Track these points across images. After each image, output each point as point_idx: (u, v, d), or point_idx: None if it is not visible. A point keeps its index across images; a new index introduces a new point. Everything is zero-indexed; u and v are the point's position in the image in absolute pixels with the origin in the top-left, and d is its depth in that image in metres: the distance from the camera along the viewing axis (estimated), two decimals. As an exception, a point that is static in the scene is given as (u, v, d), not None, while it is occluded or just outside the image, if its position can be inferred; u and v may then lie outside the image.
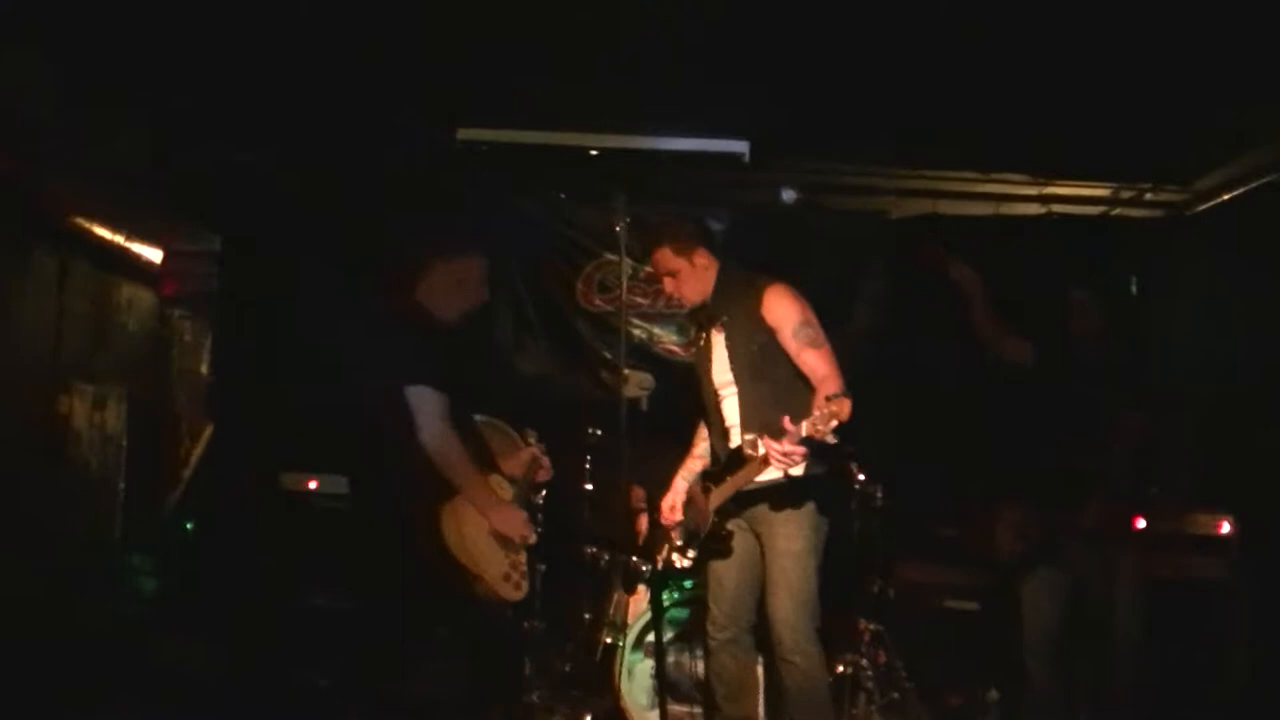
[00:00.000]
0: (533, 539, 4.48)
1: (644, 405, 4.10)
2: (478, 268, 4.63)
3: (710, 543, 4.88)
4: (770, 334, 4.76)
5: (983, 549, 5.44)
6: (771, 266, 5.02)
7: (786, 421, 4.31)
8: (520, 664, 5.37)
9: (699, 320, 5.05)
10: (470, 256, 4.61)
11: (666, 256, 4.94)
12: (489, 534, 4.44)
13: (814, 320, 4.77)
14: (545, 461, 4.88)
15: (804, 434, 4.26)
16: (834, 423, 4.20)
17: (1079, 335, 5.15)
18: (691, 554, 4.95)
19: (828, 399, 4.23)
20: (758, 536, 4.84)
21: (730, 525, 4.86)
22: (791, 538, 4.75)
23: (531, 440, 4.85)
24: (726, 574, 4.93)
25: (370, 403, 4.41)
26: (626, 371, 4.04)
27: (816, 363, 4.63)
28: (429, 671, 4.71)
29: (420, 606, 4.44)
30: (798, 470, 4.57)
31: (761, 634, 4.95)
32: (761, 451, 4.46)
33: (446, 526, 4.32)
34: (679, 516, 5.07)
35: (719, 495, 4.81)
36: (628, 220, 4.12)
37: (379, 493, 4.45)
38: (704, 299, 4.96)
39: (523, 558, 4.59)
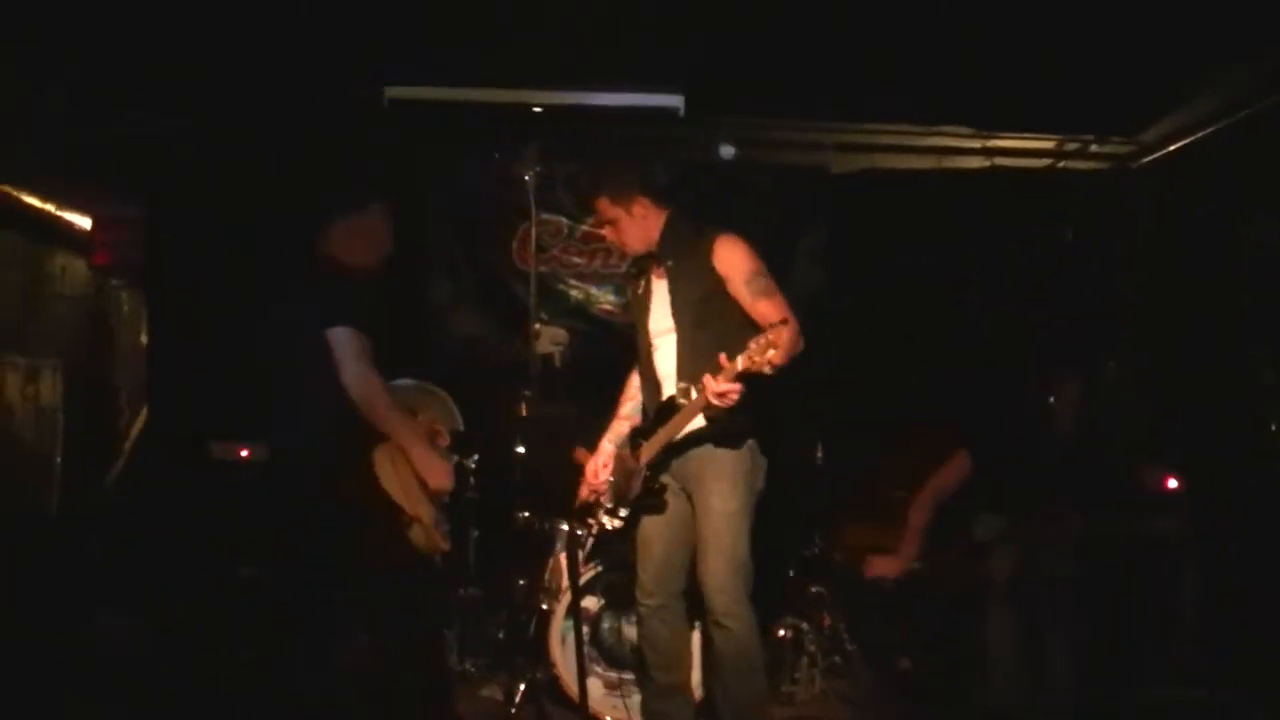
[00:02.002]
0: (449, 486, 4.36)
1: (557, 361, 3.99)
2: (379, 217, 4.51)
3: (644, 499, 4.76)
4: (719, 283, 4.63)
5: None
6: (710, 222, 4.87)
7: (723, 358, 4.20)
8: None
9: (640, 266, 4.95)
10: (369, 213, 4.47)
11: (604, 206, 4.83)
12: (417, 479, 4.27)
13: (765, 271, 4.65)
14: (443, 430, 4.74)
15: (740, 368, 4.15)
16: (770, 352, 4.08)
17: None
18: (624, 514, 4.85)
19: (768, 328, 4.12)
20: (689, 497, 4.74)
21: (664, 482, 4.76)
22: (726, 497, 4.62)
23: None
24: (655, 539, 4.81)
25: (293, 355, 4.27)
26: (538, 327, 3.92)
27: (773, 311, 4.46)
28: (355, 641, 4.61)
29: (347, 565, 4.28)
30: (722, 418, 4.46)
31: (693, 600, 4.86)
32: (694, 397, 4.36)
33: (381, 468, 4.18)
34: (605, 478, 4.95)
35: (650, 448, 4.70)
36: (537, 170, 4.00)
37: (304, 444, 4.30)
38: (648, 248, 4.84)
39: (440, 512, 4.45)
